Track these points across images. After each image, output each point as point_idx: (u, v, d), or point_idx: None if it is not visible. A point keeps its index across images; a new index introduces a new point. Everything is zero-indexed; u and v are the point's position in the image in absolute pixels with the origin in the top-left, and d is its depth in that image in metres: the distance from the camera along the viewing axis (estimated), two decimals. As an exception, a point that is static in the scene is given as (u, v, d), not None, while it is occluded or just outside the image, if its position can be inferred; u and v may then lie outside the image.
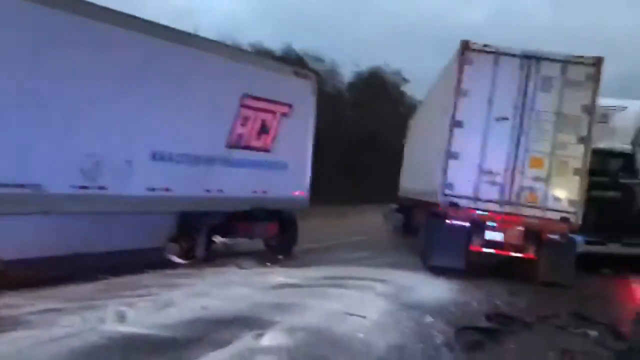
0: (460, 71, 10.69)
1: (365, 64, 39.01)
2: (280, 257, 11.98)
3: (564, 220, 10.41)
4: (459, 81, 10.69)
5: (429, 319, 7.31)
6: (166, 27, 9.53)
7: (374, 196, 28.53)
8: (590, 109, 10.41)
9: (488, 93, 10.64)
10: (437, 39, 66.42)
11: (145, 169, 9.14)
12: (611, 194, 12.21)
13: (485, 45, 10.71)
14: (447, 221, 10.69)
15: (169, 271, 9.63)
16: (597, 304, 9.18)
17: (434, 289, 9.42)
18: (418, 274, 10.68)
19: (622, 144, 13.38)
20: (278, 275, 9.74)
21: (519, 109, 10.58)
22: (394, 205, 20.46)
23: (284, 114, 12.02)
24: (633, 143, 13.67)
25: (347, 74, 36.11)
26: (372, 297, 8.44)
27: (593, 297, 9.68)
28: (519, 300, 8.94)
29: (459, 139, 10.66)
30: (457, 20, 68.82)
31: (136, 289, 8.01)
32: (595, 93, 10.38)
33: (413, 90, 41.29)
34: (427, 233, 11.83)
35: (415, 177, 15.37)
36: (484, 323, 7.25)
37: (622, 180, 13.04)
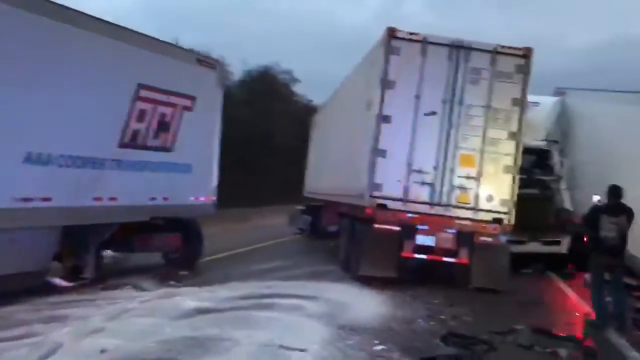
0: (386, 61, 9.74)
1: (255, 62, 37.75)
2: (184, 272, 10.40)
3: (497, 221, 9.79)
4: (385, 72, 9.74)
5: (379, 346, 6.22)
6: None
7: (276, 197, 27.34)
8: (520, 103, 9.86)
9: (416, 85, 9.77)
10: (325, 39, 66.72)
11: (16, 174, 7.27)
12: (528, 191, 11.81)
13: (411, 33, 9.82)
14: (376, 225, 9.70)
15: (52, 299, 7.91)
16: (539, 312, 8.61)
17: (369, 304, 8.36)
18: (346, 286, 9.59)
19: (535, 140, 13.13)
20: (187, 297, 8.22)
21: (448, 102, 9.81)
22: (300, 207, 19.34)
23: (186, 108, 10.45)
24: (547, 139, 13.53)
25: (236, 72, 34.58)
26: (305, 320, 7.23)
27: (531, 304, 9.11)
28: (463, 312, 8.11)
29: (387, 136, 9.70)
30: (343, 21, 69.60)
31: (9, 327, 6.32)
32: (525, 86, 9.84)
33: (304, 89, 41.07)
34: (352, 239, 10.79)
35: (329, 176, 14.29)
36: (443, 348, 6.25)
37: (538, 177, 12.79)
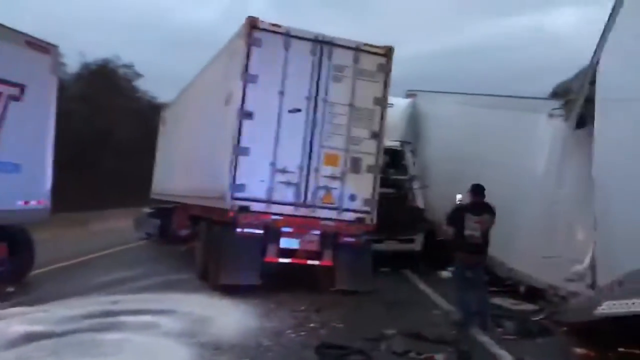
0: (248, 53, 9.11)
1: (93, 55, 35.02)
2: (10, 289, 8.88)
3: (360, 221, 9.63)
4: (247, 66, 9.09)
5: (252, 366, 5.58)
6: None
7: (119, 200, 25.29)
8: (382, 102, 9.80)
9: (280, 80, 9.27)
10: (169, 35, 64.27)
11: None
12: (384, 190, 11.91)
13: (274, 25, 9.29)
14: (238, 229, 9.03)
15: None
16: (405, 313, 8.54)
17: (232, 317, 7.68)
18: (205, 297, 8.80)
19: (390, 141, 13.31)
20: (14, 320, 6.93)
21: (313, 100, 9.44)
22: (147, 210, 17.94)
23: (12, 97, 8.94)
24: (401, 140, 13.81)
25: (72, 64, 31.63)
26: (161, 340, 6.42)
27: (396, 305, 9.04)
28: (332, 318, 7.76)
29: (249, 133, 9.07)
30: (188, 18, 67.63)
31: None
32: (386, 85, 9.80)
33: (148, 86, 39.10)
34: (210, 244, 9.98)
35: (182, 176, 13.26)
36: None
37: (393, 177, 12.98)
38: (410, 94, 15.48)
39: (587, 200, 8.63)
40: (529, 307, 8.88)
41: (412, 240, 12.78)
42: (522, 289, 9.63)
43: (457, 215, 8.22)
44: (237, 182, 9.00)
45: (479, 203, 8.17)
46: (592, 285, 7.63)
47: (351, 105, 9.59)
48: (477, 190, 8.24)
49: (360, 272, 9.64)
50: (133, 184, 25.06)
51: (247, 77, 9.09)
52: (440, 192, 12.63)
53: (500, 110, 11.07)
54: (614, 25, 6.25)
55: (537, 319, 8.07)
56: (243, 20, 9.22)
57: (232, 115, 9.15)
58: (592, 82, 7.06)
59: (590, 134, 8.56)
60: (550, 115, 9.25)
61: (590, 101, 7.57)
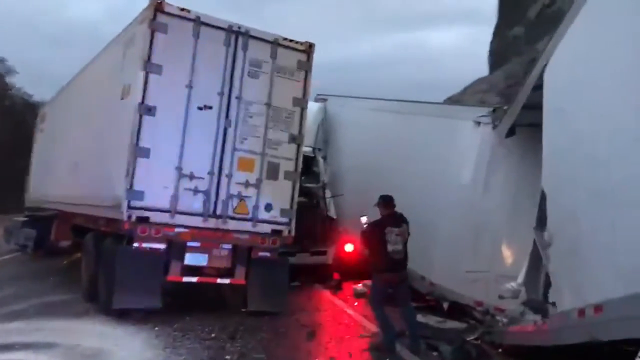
0: (151, 40, 7.86)
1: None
2: None
3: (276, 233, 8.67)
4: (149, 54, 7.84)
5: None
6: None
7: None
8: (302, 103, 8.93)
9: (188, 73, 8.09)
10: (49, 31, 59.64)
11: None
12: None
13: (183, 10, 8.11)
14: (135, 244, 7.73)
15: None
16: (329, 339, 7.69)
17: (130, 349, 6.45)
18: (94, 324, 7.43)
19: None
20: None
21: (225, 96, 8.36)
22: (20, 218, 15.75)
23: None
24: (312, 146, 13.02)
25: None
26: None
27: (317, 328, 8.15)
28: (251, 348, 6.75)
29: (151, 131, 7.80)
30: (71, 15, 63.12)
31: None
32: (306, 84, 8.95)
33: (25, 84, 36.24)
34: (99, 261, 8.51)
35: (65, 181, 11.51)
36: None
37: (304, 185, 12.13)
38: (320, 98, 14.77)
39: (517, 211, 8.39)
40: (455, 325, 8.38)
41: (324, 253, 11.99)
42: (445, 305, 9.15)
43: (378, 230, 7.45)
44: (135, 188, 7.69)
45: (394, 214, 7.52)
46: (530, 303, 7.25)
47: (268, 104, 8.62)
48: (389, 201, 7.61)
49: (275, 291, 8.65)
50: (3, 189, 22.37)
51: (150, 67, 7.83)
52: (353, 202, 12.01)
53: (418, 116, 10.59)
54: (566, 31, 5.85)
55: (470, 339, 7.52)
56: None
57: (130, 110, 7.85)
58: (536, 88, 6.65)
59: (521, 142, 8.37)
60: (477, 123, 8.86)
61: (529, 108, 7.19)
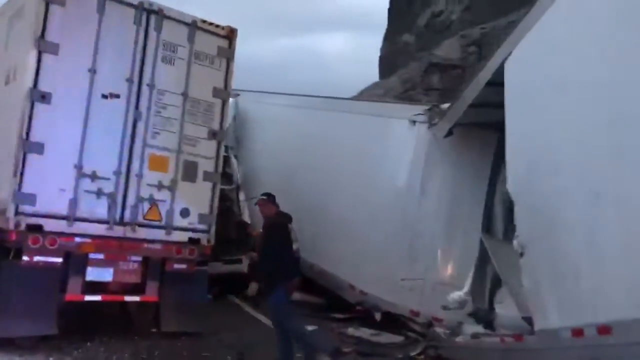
0: (45, 14, 6.58)
1: None
2: None
3: (194, 242, 7.64)
4: (43, 30, 6.55)
5: None
6: None
7: None
8: (223, 94, 7.97)
9: (90, 54, 6.88)
10: None
11: None
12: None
13: (84, -21, 6.89)
14: (25, 258, 6.39)
15: None
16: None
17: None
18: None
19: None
20: None
21: (135, 84, 7.22)
22: None
23: None
24: (225, 144, 11.96)
25: None
26: None
27: (247, 349, 7.17)
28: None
29: (45, 123, 6.52)
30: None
31: None
32: (228, 74, 8.00)
33: None
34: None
35: None
36: None
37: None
38: (233, 93, 13.70)
39: (455, 216, 7.96)
40: (393, 338, 7.78)
41: (239, 261, 10.99)
42: (377, 315, 8.53)
43: (283, 230, 6.52)
44: (25, 190, 6.37)
45: (286, 213, 6.73)
46: (477, 314, 6.81)
47: (185, 95, 7.58)
48: (274, 199, 6.81)
49: (193, 308, 7.57)
50: None
51: (43, 46, 6.54)
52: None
53: (346, 114, 9.92)
54: (528, 27, 5.41)
55: (414, 354, 6.94)
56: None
57: (18, 97, 6.52)
58: (490, 84, 6.19)
59: (458, 142, 7.94)
60: (413, 122, 8.34)
61: (472, 106, 6.74)
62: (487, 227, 7.05)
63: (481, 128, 7.52)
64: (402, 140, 8.49)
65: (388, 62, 31.61)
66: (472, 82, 6.78)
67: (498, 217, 7.01)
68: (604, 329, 3.73)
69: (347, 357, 6.62)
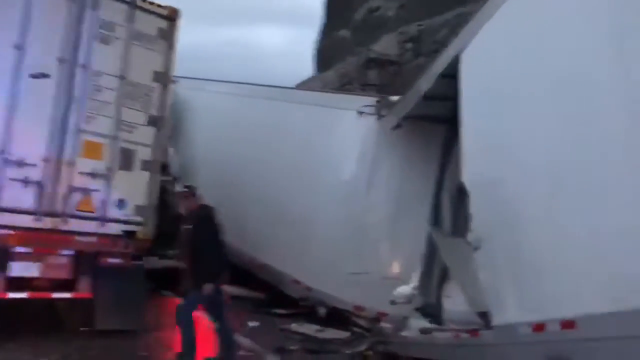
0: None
1: None
2: None
3: (130, 235, 7.18)
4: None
5: None
6: None
7: None
8: (163, 78, 7.52)
9: (16, 29, 6.28)
10: None
11: None
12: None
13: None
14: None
15: None
16: None
17: None
18: None
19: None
20: None
21: (67, 63, 6.67)
22: None
23: None
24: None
25: None
26: None
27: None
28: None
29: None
30: None
31: None
32: (169, 57, 7.56)
33: None
34: None
35: None
36: None
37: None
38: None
39: (403, 209, 7.86)
40: (338, 334, 7.61)
41: (175, 256, 10.51)
42: (322, 311, 8.33)
43: (211, 222, 6.22)
44: (-60, 177, 5.74)
45: (207, 204, 6.46)
46: (425, 308, 6.72)
47: (122, 77, 7.11)
48: (196, 190, 6.59)
49: (129, 304, 7.09)
50: None
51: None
52: (208, 197, 10.69)
53: (292, 104, 9.63)
54: (485, 18, 5.33)
55: (362, 350, 6.79)
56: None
57: None
58: (445, 76, 6.08)
59: (406, 135, 7.84)
60: (360, 113, 8.18)
61: (429, 99, 6.64)
62: (435, 220, 6.97)
63: (430, 121, 7.44)
64: (350, 131, 8.32)
65: (325, 57, 31.54)
66: (425, 73, 6.66)
67: (445, 210, 6.94)
68: (567, 324, 3.68)
69: (294, 355, 6.41)
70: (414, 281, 6.80)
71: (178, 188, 11.15)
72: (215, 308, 6.03)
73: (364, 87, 21.82)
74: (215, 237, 6.15)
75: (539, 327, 3.98)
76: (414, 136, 7.67)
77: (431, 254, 6.79)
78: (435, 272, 6.74)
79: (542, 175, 4.35)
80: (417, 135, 7.65)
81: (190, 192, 6.50)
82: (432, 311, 6.60)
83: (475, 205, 5.12)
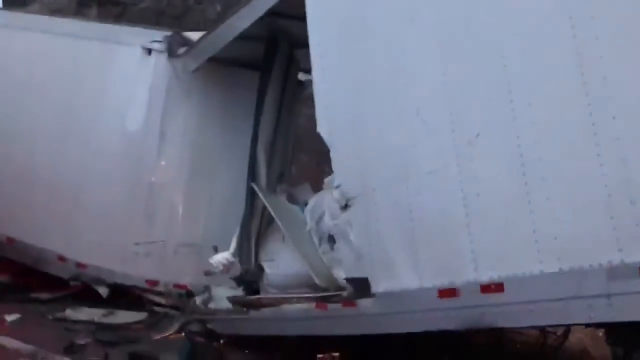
0: None
1: None
2: None
3: None
4: None
5: None
6: None
7: None
8: None
9: None
10: None
11: None
12: None
13: None
14: None
15: None
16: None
17: None
18: None
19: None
20: None
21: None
22: None
23: None
24: None
25: None
26: None
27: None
28: None
29: None
30: None
31: None
32: None
33: None
34: None
35: None
36: None
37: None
38: None
39: (202, 166, 6.84)
40: (133, 316, 6.29)
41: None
42: (102, 291, 6.80)
43: None
44: None
45: None
46: (244, 277, 5.85)
47: None
48: None
49: None
50: None
51: None
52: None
53: (57, 37, 7.43)
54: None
55: (172, 333, 5.64)
56: None
57: None
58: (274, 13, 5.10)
59: (205, 79, 6.71)
60: (148, 50, 6.74)
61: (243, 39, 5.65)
62: (253, 177, 6.09)
63: (239, 65, 6.49)
64: (134, 72, 6.79)
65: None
66: (241, 9, 5.60)
67: (261, 166, 6.13)
68: (493, 287, 3.27)
69: (86, 350, 4.99)
70: (232, 247, 5.88)
71: None
72: None
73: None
74: None
75: (448, 292, 3.50)
76: (218, 81, 6.63)
77: (249, 213, 5.93)
78: (253, 233, 5.92)
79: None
80: (220, 79, 6.63)
81: None
82: (251, 278, 5.80)
83: (336, 158, 4.41)
